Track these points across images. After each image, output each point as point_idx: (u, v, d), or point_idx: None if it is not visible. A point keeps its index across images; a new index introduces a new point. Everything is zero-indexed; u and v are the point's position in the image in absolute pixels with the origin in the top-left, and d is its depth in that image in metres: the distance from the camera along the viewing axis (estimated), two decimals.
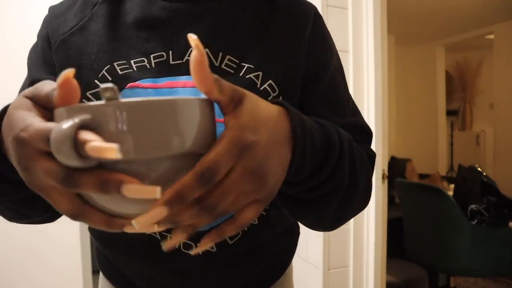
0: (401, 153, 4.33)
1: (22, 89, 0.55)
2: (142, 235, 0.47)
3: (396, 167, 3.50)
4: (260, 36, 0.51)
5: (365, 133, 0.55)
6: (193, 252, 0.33)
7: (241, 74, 0.49)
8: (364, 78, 1.61)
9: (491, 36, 4.67)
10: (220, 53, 0.49)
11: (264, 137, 0.29)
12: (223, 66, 0.49)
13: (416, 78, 5.24)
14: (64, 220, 0.37)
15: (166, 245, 0.30)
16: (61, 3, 0.55)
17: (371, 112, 1.60)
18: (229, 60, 0.49)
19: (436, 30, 4.68)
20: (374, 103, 1.59)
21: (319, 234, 1.58)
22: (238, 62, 0.49)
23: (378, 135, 1.60)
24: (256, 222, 0.53)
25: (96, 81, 0.48)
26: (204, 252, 0.49)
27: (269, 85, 0.49)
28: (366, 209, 1.68)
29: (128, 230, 0.28)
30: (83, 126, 0.25)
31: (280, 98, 0.49)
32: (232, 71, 0.49)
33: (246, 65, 0.49)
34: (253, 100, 0.30)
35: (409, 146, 5.07)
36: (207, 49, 0.48)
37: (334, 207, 0.43)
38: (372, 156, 0.51)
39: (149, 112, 0.26)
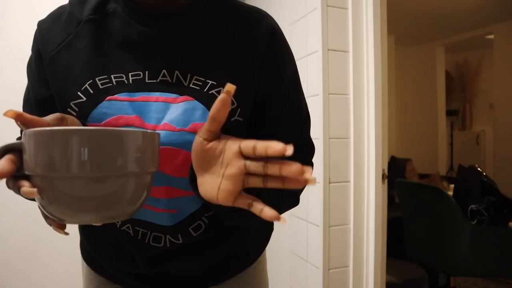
0: (401, 153, 4.33)
1: (26, 97, 0.64)
2: (119, 232, 0.62)
3: (396, 167, 3.50)
4: (221, 55, 0.59)
5: (309, 146, 0.69)
6: None
7: (205, 90, 0.57)
8: (364, 78, 1.61)
9: (491, 36, 4.67)
10: (188, 75, 0.57)
11: None
12: (191, 85, 0.57)
13: (416, 78, 5.24)
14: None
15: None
16: (48, 17, 0.62)
17: (371, 112, 1.60)
18: (196, 79, 0.57)
19: (436, 30, 4.68)
20: (374, 103, 1.59)
21: (319, 235, 1.58)
22: (203, 79, 0.57)
23: (378, 135, 1.60)
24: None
25: (79, 93, 0.56)
26: (171, 243, 0.62)
27: None
28: (366, 209, 1.69)
29: (55, 229, 0.43)
30: (9, 149, 0.39)
31: (239, 109, 0.58)
32: (198, 88, 0.57)
33: (210, 82, 0.57)
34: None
35: (409, 146, 5.07)
36: (177, 71, 0.57)
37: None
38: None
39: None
